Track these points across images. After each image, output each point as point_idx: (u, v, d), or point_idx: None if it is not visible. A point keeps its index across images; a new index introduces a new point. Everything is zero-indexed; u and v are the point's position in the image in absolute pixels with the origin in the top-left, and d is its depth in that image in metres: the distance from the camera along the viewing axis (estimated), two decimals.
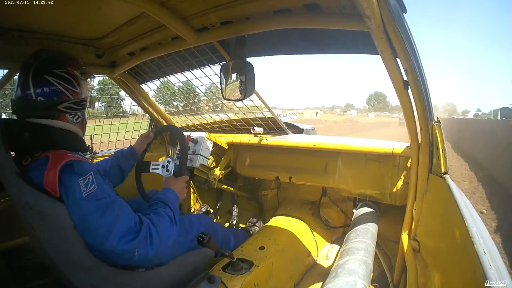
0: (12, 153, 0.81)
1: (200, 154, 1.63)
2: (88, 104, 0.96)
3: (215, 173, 1.76)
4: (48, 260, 0.77)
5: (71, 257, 0.75)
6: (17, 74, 0.87)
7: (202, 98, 2.02)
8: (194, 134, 1.69)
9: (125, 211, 0.81)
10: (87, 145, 0.97)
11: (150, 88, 1.76)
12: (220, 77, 1.15)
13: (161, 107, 1.91)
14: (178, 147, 1.57)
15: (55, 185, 0.72)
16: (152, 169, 1.34)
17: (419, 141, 1.09)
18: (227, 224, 2.00)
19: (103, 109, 2.20)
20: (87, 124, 1.05)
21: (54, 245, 0.75)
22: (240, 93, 1.10)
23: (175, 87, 1.73)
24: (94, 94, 1.10)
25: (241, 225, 1.98)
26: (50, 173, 0.73)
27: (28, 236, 0.90)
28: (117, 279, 0.80)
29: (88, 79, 0.97)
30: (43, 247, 0.75)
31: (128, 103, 1.93)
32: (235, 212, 2.03)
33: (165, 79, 1.65)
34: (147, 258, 0.82)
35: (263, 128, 1.76)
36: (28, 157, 0.79)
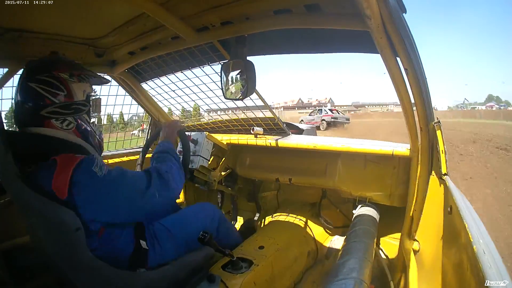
0: None
1: (200, 156, 1.62)
2: (89, 108, 0.92)
3: (215, 174, 1.76)
4: (49, 260, 0.77)
5: (72, 258, 0.74)
6: (17, 74, 0.87)
7: (202, 97, 2.02)
8: (194, 134, 1.69)
9: (134, 173, 0.89)
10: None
11: (150, 86, 1.77)
12: (221, 76, 1.15)
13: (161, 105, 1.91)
14: (180, 147, 1.56)
15: (64, 187, 0.72)
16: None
17: (419, 142, 1.09)
18: None
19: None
20: None
21: (55, 247, 0.75)
22: (241, 92, 1.10)
23: (176, 86, 1.73)
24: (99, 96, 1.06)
25: (240, 227, 1.98)
26: (61, 176, 0.72)
27: (29, 236, 0.90)
28: (118, 280, 0.80)
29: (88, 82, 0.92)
30: (44, 248, 0.75)
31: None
32: (234, 214, 2.03)
33: (166, 78, 1.66)
34: (168, 197, 0.91)
35: (263, 128, 1.76)
36: (32, 165, 0.79)
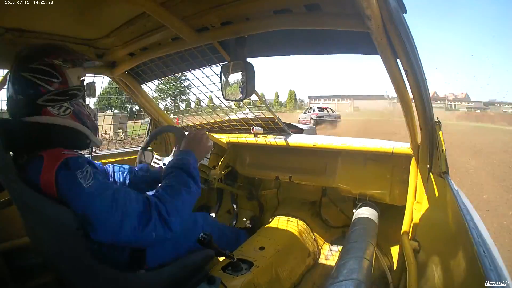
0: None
1: None
2: (85, 92, 0.91)
3: (215, 172, 1.76)
4: (49, 260, 0.77)
5: (73, 259, 0.74)
6: None
7: (202, 98, 2.02)
8: None
9: (131, 196, 0.77)
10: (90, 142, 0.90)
11: (150, 88, 1.77)
12: (221, 78, 1.15)
13: (161, 106, 1.92)
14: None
15: (52, 187, 0.70)
16: (154, 162, 1.34)
17: (419, 141, 1.09)
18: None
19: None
20: None
21: (55, 247, 0.75)
22: (241, 93, 1.11)
23: (176, 88, 1.74)
24: (94, 81, 1.02)
25: (241, 226, 1.98)
26: (46, 175, 0.71)
27: (28, 236, 0.90)
28: (118, 281, 0.80)
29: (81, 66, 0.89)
30: (44, 248, 0.75)
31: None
32: (235, 212, 2.03)
33: (166, 79, 1.66)
34: (166, 238, 0.79)
35: (263, 128, 1.76)
36: (25, 155, 0.77)
